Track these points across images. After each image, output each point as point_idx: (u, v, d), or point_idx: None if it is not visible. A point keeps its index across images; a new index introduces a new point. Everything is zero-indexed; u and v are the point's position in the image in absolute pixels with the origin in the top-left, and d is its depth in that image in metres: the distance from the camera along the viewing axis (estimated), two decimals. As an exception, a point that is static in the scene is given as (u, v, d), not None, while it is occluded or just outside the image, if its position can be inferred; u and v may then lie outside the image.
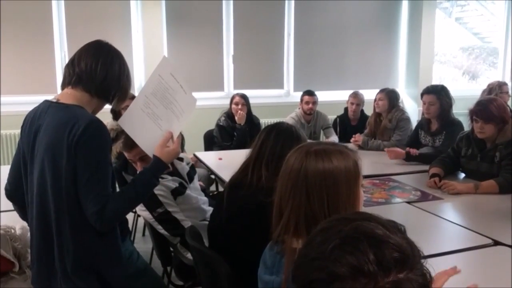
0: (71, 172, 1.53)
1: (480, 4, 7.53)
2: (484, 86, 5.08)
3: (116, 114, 3.89)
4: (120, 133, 3.56)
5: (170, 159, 1.73)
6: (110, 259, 1.66)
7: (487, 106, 2.74)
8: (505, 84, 4.96)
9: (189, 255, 2.16)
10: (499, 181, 2.64)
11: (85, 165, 1.53)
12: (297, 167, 1.19)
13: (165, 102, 1.78)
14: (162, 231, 2.22)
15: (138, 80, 5.28)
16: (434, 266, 1.72)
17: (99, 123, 1.58)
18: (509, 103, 5.04)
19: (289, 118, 4.44)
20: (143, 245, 3.58)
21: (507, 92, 4.88)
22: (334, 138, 4.32)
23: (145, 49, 5.19)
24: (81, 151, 1.52)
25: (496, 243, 1.97)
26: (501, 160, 2.72)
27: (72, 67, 1.66)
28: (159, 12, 5.21)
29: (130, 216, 3.29)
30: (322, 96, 4.73)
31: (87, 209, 1.54)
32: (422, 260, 0.70)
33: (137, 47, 5.23)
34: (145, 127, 1.74)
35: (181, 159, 2.42)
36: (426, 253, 1.91)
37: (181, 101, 1.82)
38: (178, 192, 2.30)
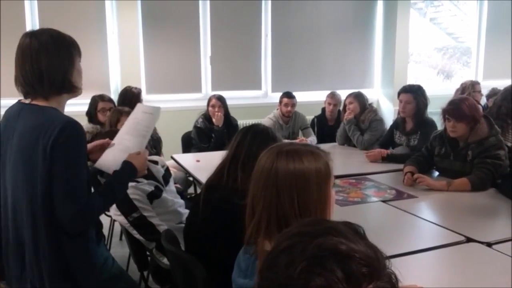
0: (47, 175, 1.51)
1: (454, 5, 7.68)
2: (458, 85, 5.19)
3: (92, 117, 3.85)
4: (96, 136, 3.52)
5: (140, 164, 1.77)
6: (84, 264, 1.64)
7: (459, 106, 2.80)
8: (477, 83, 5.08)
9: (165, 260, 2.14)
10: (471, 179, 2.69)
11: (61, 167, 1.52)
12: (268, 167, 1.20)
13: (136, 133, 1.90)
14: (138, 236, 2.19)
15: (114, 82, 5.22)
16: (408, 264, 1.76)
17: (75, 124, 1.57)
18: (482, 101, 5.17)
19: (267, 119, 4.45)
20: (120, 249, 3.53)
21: (480, 91, 5.00)
22: (313, 139, 4.35)
23: (121, 50, 5.13)
24: (57, 153, 1.51)
25: (469, 240, 2.01)
26: (473, 158, 2.78)
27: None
28: (135, 12, 5.15)
29: (106, 221, 3.25)
30: (300, 96, 4.76)
31: (63, 211, 1.52)
32: (387, 262, 0.70)
33: (112, 49, 5.17)
34: (119, 160, 1.80)
35: (156, 162, 2.40)
36: (401, 251, 1.95)
37: (147, 122, 1.94)
38: (154, 196, 2.28)
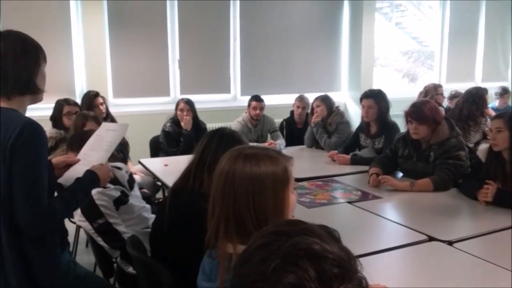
0: (7, 177, 1.49)
1: (418, 10, 7.89)
2: (422, 88, 5.35)
3: (57, 122, 3.76)
4: (59, 141, 3.45)
5: (102, 174, 1.80)
6: (48, 269, 1.62)
7: (421, 108, 2.88)
8: (440, 86, 5.25)
9: (130, 269, 2.12)
10: (433, 179, 2.77)
11: (21, 168, 1.50)
12: (226, 170, 1.20)
13: (99, 149, 1.96)
14: (102, 243, 2.16)
15: (80, 85, 5.12)
16: (373, 263, 1.80)
17: (35, 125, 1.55)
18: (444, 104, 5.33)
19: (235, 123, 4.46)
20: (86, 256, 3.46)
21: (442, 94, 5.17)
22: (281, 142, 4.38)
23: (86, 53, 5.04)
24: (17, 155, 1.49)
25: (431, 239, 2.06)
26: (435, 159, 2.86)
27: None
28: (101, 14, 5.07)
29: (72, 228, 3.19)
30: (269, 99, 4.80)
31: (22, 212, 1.50)
32: (359, 266, 0.71)
33: (78, 51, 5.07)
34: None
35: (120, 168, 2.37)
36: (365, 251, 1.99)
37: (112, 138, 2.00)
38: (120, 202, 2.26)
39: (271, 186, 1.18)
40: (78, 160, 1.92)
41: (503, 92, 5.89)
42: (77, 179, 1.74)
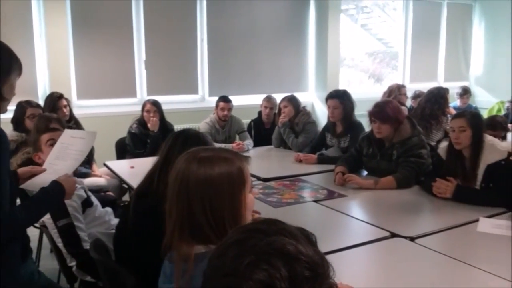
0: None
1: (383, 11, 8.06)
2: (386, 88, 5.47)
3: (18, 124, 3.66)
4: (20, 144, 3.36)
5: (68, 186, 1.76)
6: (5, 281, 1.56)
7: (383, 108, 2.94)
8: (403, 86, 5.39)
9: (88, 278, 2.09)
10: (396, 177, 2.84)
11: None
12: (181, 173, 1.18)
13: (66, 157, 1.94)
14: (61, 245, 2.11)
15: (42, 87, 4.99)
16: (338, 261, 1.82)
17: None
18: (407, 103, 5.47)
19: (203, 124, 4.45)
20: (50, 262, 3.37)
21: (405, 94, 5.30)
22: (249, 142, 4.39)
23: (49, 54, 4.92)
24: None
25: (393, 235, 2.11)
26: (398, 157, 2.93)
27: None
28: (64, 14, 4.96)
29: (35, 233, 3.11)
30: (237, 100, 4.80)
31: None
32: (331, 271, 0.73)
33: (40, 52, 4.94)
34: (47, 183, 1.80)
35: None
36: (330, 248, 2.02)
37: (80, 146, 1.98)
38: (87, 203, 2.23)
39: (227, 189, 1.16)
40: (44, 170, 1.88)
41: (464, 92, 6.10)
42: (43, 189, 1.69)
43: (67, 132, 2.05)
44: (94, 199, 2.32)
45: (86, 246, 2.07)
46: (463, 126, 2.58)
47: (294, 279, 0.65)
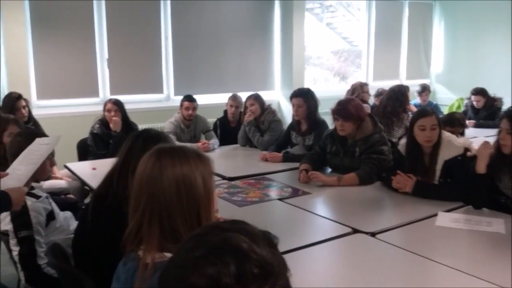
0: None
1: (348, 11, 8.18)
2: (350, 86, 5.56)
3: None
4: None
5: (16, 198, 1.77)
6: None
7: (346, 106, 2.99)
8: (366, 84, 5.48)
9: None
10: (359, 174, 2.89)
11: None
12: (149, 172, 1.16)
13: (28, 162, 1.97)
14: (15, 253, 2.04)
15: None
16: (301, 258, 1.84)
17: None
18: (370, 101, 5.57)
19: (168, 123, 4.40)
20: (11, 267, 3.26)
21: (368, 92, 5.40)
22: (215, 141, 4.36)
23: (6, 53, 4.74)
24: None
25: (355, 231, 2.15)
26: (361, 154, 2.98)
27: None
28: (22, 13, 4.79)
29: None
30: (203, 99, 4.76)
31: None
32: (288, 275, 0.72)
33: (-4, 51, 4.77)
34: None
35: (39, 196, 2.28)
36: (294, 246, 2.02)
37: (42, 151, 2.02)
38: (51, 216, 2.17)
39: (201, 182, 1.16)
40: (6, 174, 1.88)
41: (422, 89, 6.24)
42: None
43: (37, 140, 2.07)
44: (54, 205, 2.25)
45: (40, 262, 2.02)
46: (435, 124, 2.64)
47: (241, 276, 0.65)
